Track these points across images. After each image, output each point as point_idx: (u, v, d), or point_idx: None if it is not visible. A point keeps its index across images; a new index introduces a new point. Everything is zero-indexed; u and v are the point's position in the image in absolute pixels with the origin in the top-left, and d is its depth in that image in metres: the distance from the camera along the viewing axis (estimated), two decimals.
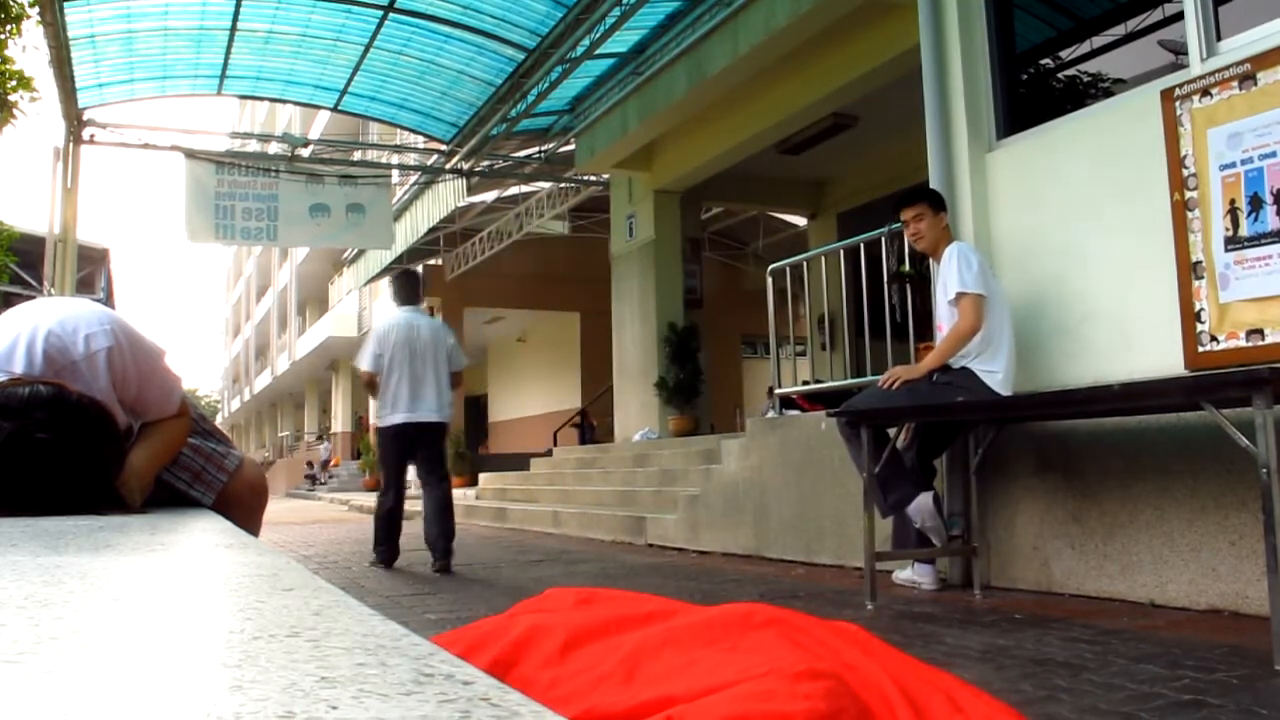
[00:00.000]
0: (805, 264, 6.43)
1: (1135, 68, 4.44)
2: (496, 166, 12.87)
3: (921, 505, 4.04)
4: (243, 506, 2.14)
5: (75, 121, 10.13)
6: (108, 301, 17.40)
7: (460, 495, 13.26)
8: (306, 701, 0.44)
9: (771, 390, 6.56)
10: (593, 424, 18.04)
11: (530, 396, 22.54)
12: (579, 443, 16.95)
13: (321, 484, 26.00)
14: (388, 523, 5.89)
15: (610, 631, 1.73)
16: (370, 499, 16.46)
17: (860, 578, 4.14)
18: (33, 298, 2.21)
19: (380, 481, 6.09)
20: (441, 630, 2.73)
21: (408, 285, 6.11)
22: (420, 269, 18.85)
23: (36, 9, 7.75)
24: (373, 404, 5.92)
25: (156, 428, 1.99)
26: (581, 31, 8.53)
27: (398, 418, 5.69)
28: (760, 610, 1.77)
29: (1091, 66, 4.71)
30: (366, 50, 9.59)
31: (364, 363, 5.83)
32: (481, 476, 13.00)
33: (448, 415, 5.81)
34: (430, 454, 5.85)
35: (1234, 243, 3.55)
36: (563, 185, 14.12)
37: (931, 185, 4.66)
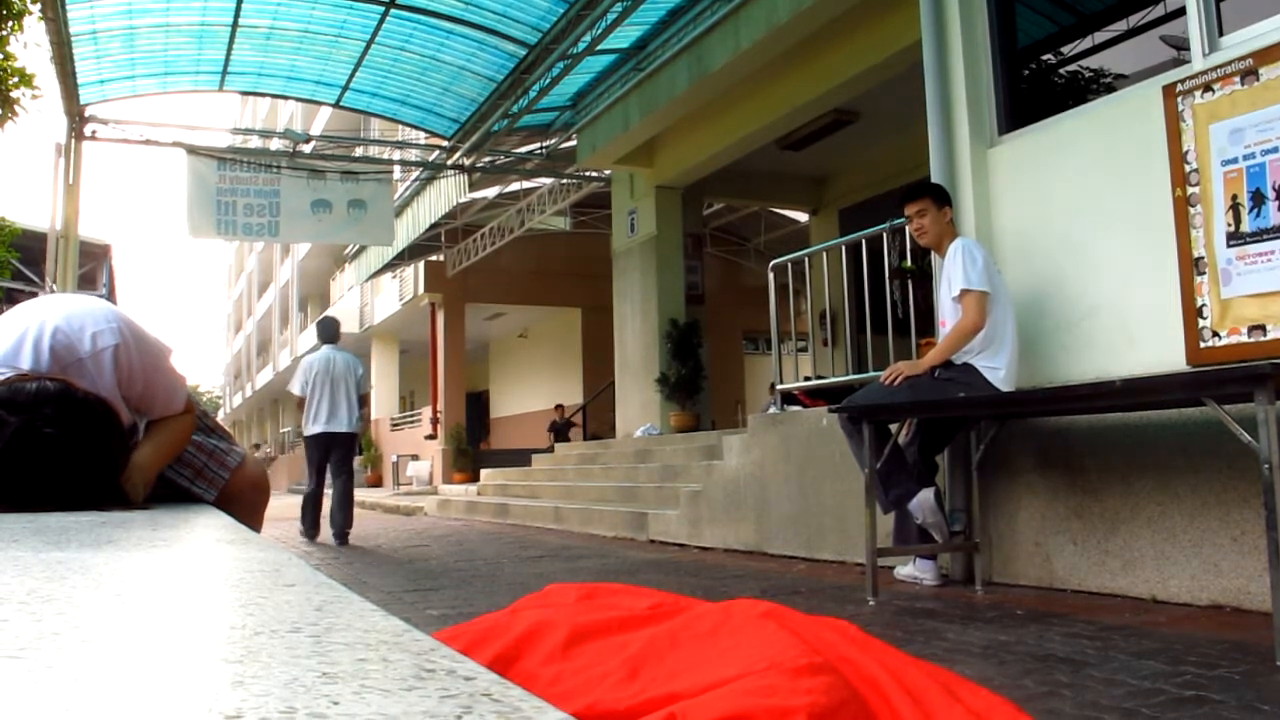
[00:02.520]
0: (807, 260, 6.42)
1: (1137, 63, 4.43)
2: (498, 162, 12.86)
3: (923, 501, 4.03)
4: (244, 503, 2.15)
5: (77, 118, 10.13)
6: (109, 298, 17.42)
7: (462, 491, 13.31)
8: (308, 697, 0.45)
9: (773, 387, 6.56)
10: (570, 421, 17.94)
11: (532, 393, 22.53)
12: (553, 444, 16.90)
13: None
14: (313, 505, 7.69)
15: (614, 630, 1.73)
16: (372, 495, 16.53)
17: (862, 573, 4.14)
18: (34, 294, 2.20)
19: (307, 475, 7.77)
20: (443, 626, 2.73)
21: (328, 329, 8.01)
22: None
23: (38, 5, 7.74)
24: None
25: (162, 425, 2.00)
26: (583, 27, 8.53)
27: (317, 428, 7.47)
28: (760, 603, 1.77)
29: (1093, 62, 4.71)
30: (368, 46, 9.58)
31: (294, 388, 7.67)
32: (483, 473, 13.01)
33: (356, 427, 7.62)
34: (341, 456, 7.61)
35: (1236, 238, 3.55)
36: (564, 181, 14.11)
37: (933, 181, 4.66)
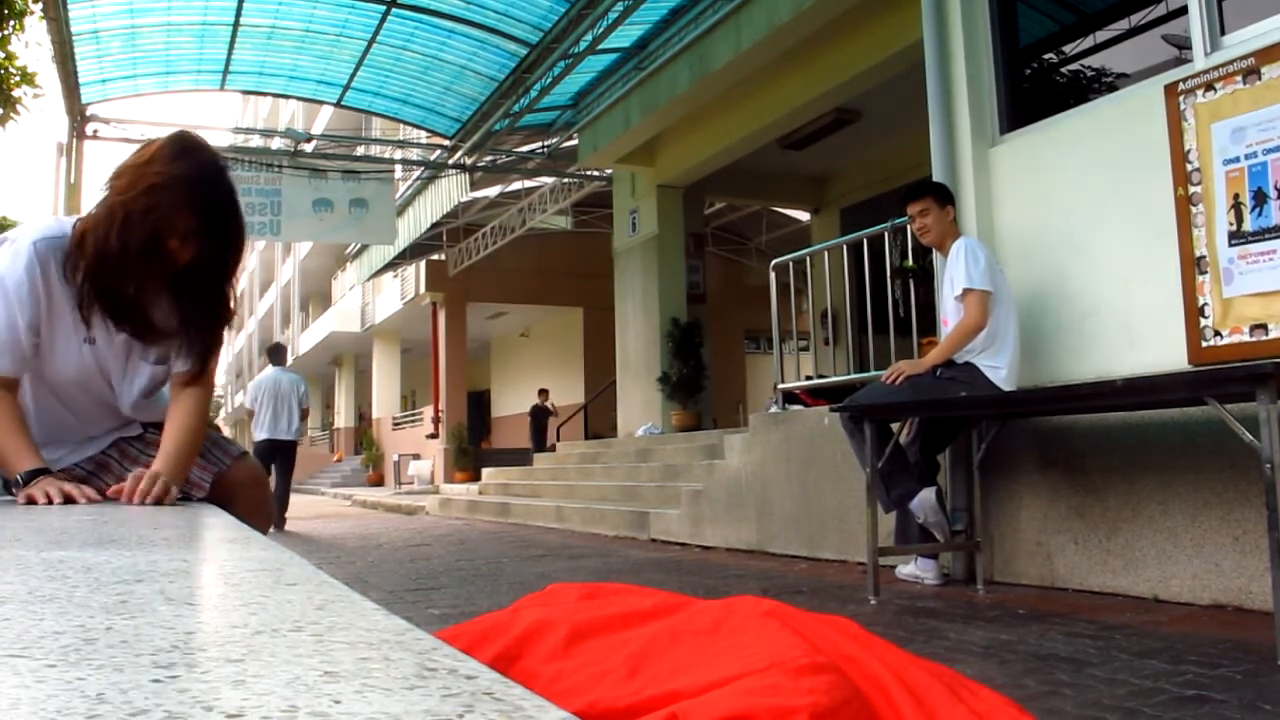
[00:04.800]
0: (808, 259, 6.42)
1: (1139, 62, 4.43)
2: (499, 162, 12.86)
3: (924, 500, 4.03)
4: (244, 500, 2.14)
5: (78, 117, 10.14)
6: None
7: (463, 490, 13.31)
8: (310, 696, 0.45)
9: (776, 386, 6.57)
10: (546, 408, 17.86)
11: (534, 392, 22.56)
12: (532, 445, 16.98)
13: None
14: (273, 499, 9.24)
15: (615, 627, 1.73)
16: (374, 494, 16.54)
17: (863, 573, 4.14)
18: None
19: None
20: (445, 625, 2.73)
21: (277, 352, 9.78)
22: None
23: (40, 5, 7.75)
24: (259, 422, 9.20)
25: (177, 408, 2.02)
26: (584, 27, 8.53)
27: (263, 435, 9.01)
28: (762, 601, 1.77)
29: (1095, 61, 4.70)
30: (369, 45, 9.58)
31: (246, 402, 9.33)
32: (485, 472, 13.02)
33: (296, 436, 9.20)
34: (284, 459, 9.18)
35: (1238, 237, 3.55)
36: (565, 180, 14.12)
37: (935, 180, 4.65)
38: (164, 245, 1.85)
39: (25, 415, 1.94)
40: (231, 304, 2.04)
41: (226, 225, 1.93)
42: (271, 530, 8.74)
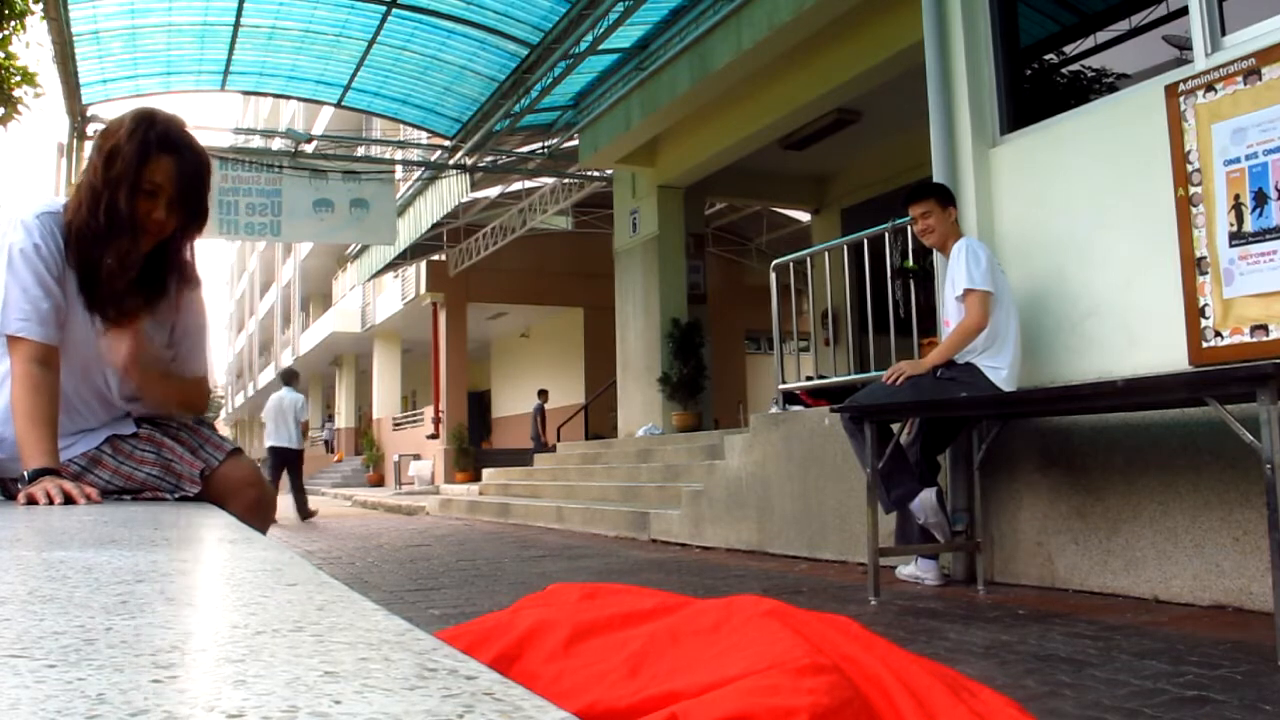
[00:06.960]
0: (809, 259, 6.42)
1: (1139, 63, 4.43)
2: (500, 162, 12.86)
3: (925, 501, 4.03)
4: (242, 500, 2.12)
5: (79, 117, 10.13)
6: None
7: (464, 491, 13.32)
8: (310, 696, 0.45)
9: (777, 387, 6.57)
10: (542, 407, 17.99)
11: (534, 392, 22.57)
12: (533, 450, 17.05)
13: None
14: (295, 494, 11.13)
15: (615, 627, 1.73)
16: (374, 494, 16.54)
17: (863, 573, 4.14)
18: None
19: (270, 474, 10.89)
20: (445, 625, 2.73)
21: (289, 376, 11.54)
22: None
23: (40, 5, 7.75)
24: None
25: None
26: (585, 27, 8.53)
27: (269, 442, 10.91)
28: (763, 601, 1.77)
29: (1095, 62, 4.70)
30: (370, 46, 9.59)
31: (263, 415, 11.37)
32: (485, 472, 13.02)
33: (297, 444, 10.97)
34: (292, 465, 10.98)
35: (1238, 238, 3.55)
36: (566, 181, 14.12)
37: (935, 181, 4.65)
38: (142, 214, 1.96)
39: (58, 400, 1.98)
40: (190, 263, 2.16)
41: (191, 173, 2.02)
42: (299, 520, 10.71)
